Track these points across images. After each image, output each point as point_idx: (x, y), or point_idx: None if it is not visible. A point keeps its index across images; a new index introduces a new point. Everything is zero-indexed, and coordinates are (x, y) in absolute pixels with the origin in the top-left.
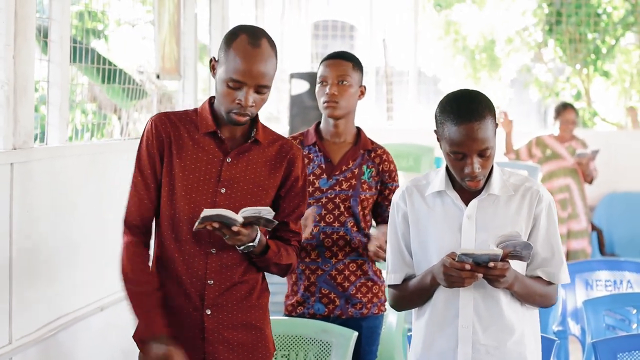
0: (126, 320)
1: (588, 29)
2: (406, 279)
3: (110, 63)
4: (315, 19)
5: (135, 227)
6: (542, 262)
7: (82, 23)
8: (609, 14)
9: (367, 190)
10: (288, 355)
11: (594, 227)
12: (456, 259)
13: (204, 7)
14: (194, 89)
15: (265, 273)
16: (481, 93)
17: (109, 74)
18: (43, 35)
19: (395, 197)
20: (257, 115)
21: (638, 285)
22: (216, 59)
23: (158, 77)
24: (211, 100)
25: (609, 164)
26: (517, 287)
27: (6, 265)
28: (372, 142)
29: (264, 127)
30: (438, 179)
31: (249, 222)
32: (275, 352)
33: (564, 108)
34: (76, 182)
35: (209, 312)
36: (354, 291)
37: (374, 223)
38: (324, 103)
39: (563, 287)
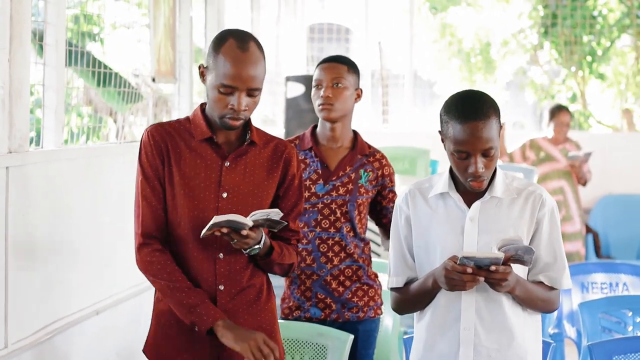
0: (122, 324)
1: (584, 31)
2: (408, 282)
3: (105, 66)
4: (310, 22)
5: (155, 238)
6: (545, 267)
7: (78, 26)
8: (605, 16)
9: (364, 194)
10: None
11: (589, 230)
12: (458, 262)
13: (200, 10)
14: (190, 92)
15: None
16: (486, 94)
17: (105, 77)
18: (38, 38)
19: (398, 201)
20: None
21: (634, 288)
22: (205, 66)
23: (153, 80)
24: (203, 106)
25: (605, 167)
26: (519, 291)
27: (2, 269)
28: (369, 146)
29: (257, 128)
30: (441, 182)
31: (256, 225)
32: None
33: (558, 110)
34: (72, 185)
35: None
36: (350, 295)
37: (370, 226)
38: (319, 106)
39: (565, 289)
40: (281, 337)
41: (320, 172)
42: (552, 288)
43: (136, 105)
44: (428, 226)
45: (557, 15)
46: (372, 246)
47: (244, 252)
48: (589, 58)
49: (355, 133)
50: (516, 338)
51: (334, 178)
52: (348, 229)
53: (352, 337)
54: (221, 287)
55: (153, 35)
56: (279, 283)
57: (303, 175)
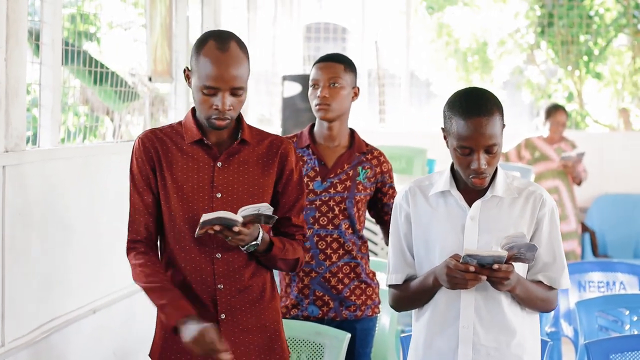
0: (118, 322)
1: (580, 30)
2: (407, 280)
3: (102, 65)
4: (307, 21)
5: (140, 242)
6: (544, 266)
7: (74, 26)
8: (601, 15)
9: (362, 191)
10: None
11: (586, 229)
12: (460, 260)
13: (196, 10)
14: (186, 92)
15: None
16: (490, 91)
17: (101, 76)
18: (35, 37)
19: (398, 198)
20: (241, 116)
21: (631, 287)
22: (189, 69)
23: (150, 79)
24: (194, 109)
25: (602, 166)
26: (519, 290)
27: None
28: (367, 144)
29: (250, 127)
30: (442, 180)
31: (249, 221)
32: None
33: (554, 109)
34: (69, 184)
35: (223, 316)
36: (348, 293)
37: (368, 225)
38: (316, 106)
39: (564, 289)
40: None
41: (317, 169)
42: (551, 288)
43: (133, 105)
44: (428, 224)
45: (553, 15)
46: (370, 245)
47: (242, 249)
48: (585, 57)
49: (352, 131)
50: (515, 337)
51: (331, 175)
52: (346, 226)
53: (349, 335)
54: (220, 286)
55: (149, 34)
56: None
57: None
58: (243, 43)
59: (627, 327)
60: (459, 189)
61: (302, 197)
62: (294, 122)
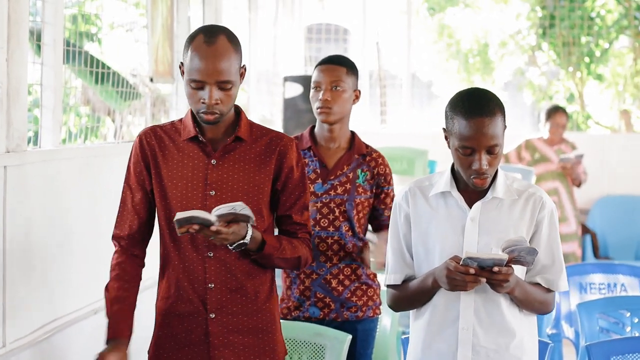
0: None
1: (582, 32)
2: (406, 280)
3: (104, 66)
4: (308, 22)
5: (122, 239)
6: (542, 269)
7: (76, 26)
8: (603, 17)
9: (363, 194)
10: None
11: (587, 230)
12: (461, 263)
13: (197, 11)
14: None
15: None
16: (492, 92)
17: (103, 76)
18: (36, 38)
19: (398, 198)
20: (241, 112)
21: (632, 289)
22: (183, 63)
23: (151, 80)
24: None
25: (603, 167)
26: (518, 292)
27: (0, 269)
28: (367, 146)
29: (253, 124)
30: (443, 180)
31: (231, 220)
32: None
33: (555, 111)
34: (70, 185)
35: (212, 316)
36: (349, 295)
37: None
38: (317, 109)
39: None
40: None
41: (318, 171)
42: (548, 290)
43: (134, 105)
44: (428, 225)
45: (555, 16)
46: (371, 246)
47: (229, 248)
48: (586, 59)
49: (353, 133)
50: (514, 339)
51: (332, 177)
52: (347, 228)
53: (350, 337)
54: (211, 286)
55: (151, 35)
56: (277, 283)
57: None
58: (235, 38)
59: (628, 329)
60: (459, 189)
61: (304, 195)
62: (295, 123)
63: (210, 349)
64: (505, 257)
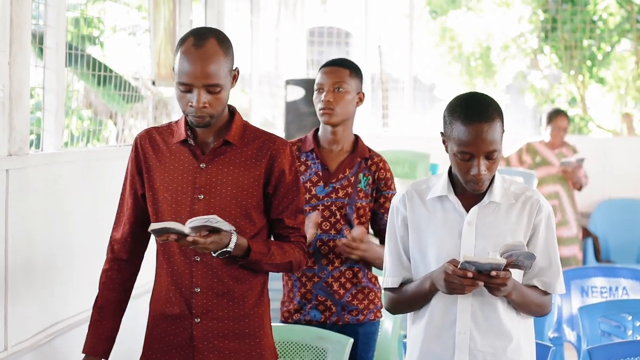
0: (121, 326)
1: (583, 35)
2: (403, 283)
3: (106, 69)
4: (310, 25)
5: (116, 242)
6: (539, 271)
7: (78, 29)
8: (605, 20)
9: (364, 199)
10: None
11: (589, 234)
12: (459, 267)
13: (200, 14)
14: None
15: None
16: (490, 97)
17: (105, 79)
18: (39, 41)
19: (395, 201)
20: (235, 114)
21: (634, 292)
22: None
23: (154, 83)
24: None
25: (605, 171)
26: (515, 295)
27: (2, 272)
28: (370, 150)
29: (248, 126)
30: (440, 184)
31: (211, 230)
32: None
33: (556, 114)
34: (72, 188)
35: (197, 320)
36: (350, 298)
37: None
38: (320, 110)
39: (559, 294)
40: (274, 342)
41: (320, 174)
42: (545, 292)
43: (136, 108)
44: (425, 228)
45: (557, 20)
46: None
47: (213, 255)
48: (588, 62)
49: (356, 137)
50: (511, 342)
51: (333, 180)
52: (348, 232)
53: (351, 340)
54: (197, 290)
55: (153, 38)
56: (278, 286)
57: (300, 171)
58: (225, 40)
59: (630, 332)
60: (456, 193)
61: (297, 198)
62: (297, 126)
63: (195, 353)
64: (503, 261)
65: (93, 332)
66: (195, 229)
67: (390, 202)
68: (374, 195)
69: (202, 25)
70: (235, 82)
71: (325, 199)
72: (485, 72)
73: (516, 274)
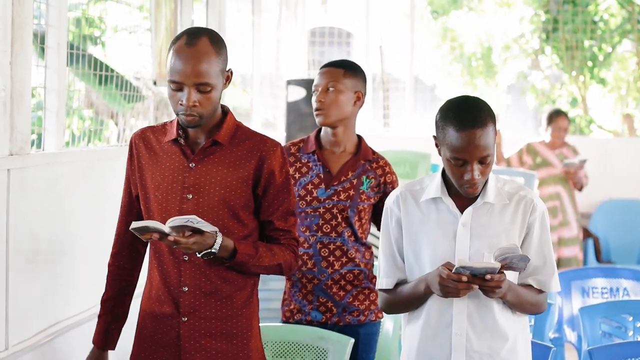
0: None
1: (585, 36)
2: (398, 283)
3: (107, 68)
4: (312, 25)
5: (117, 240)
6: (534, 270)
7: (80, 29)
8: (606, 21)
9: (366, 201)
10: None
11: (590, 235)
12: (453, 271)
13: (201, 14)
14: None
15: (260, 285)
16: (482, 100)
17: (106, 79)
18: (40, 41)
19: (389, 202)
20: (228, 114)
21: (634, 293)
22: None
23: (155, 83)
24: None
25: (606, 171)
26: (510, 296)
27: (3, 271)
28: (374, 152)
29: (240, 127)
30: (433, 186)
31: (193, 231)
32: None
33: (556, 115)
34: (73, 188)
35: (185, 319)
36: (351, 299)
37: (372, 230)
38: (315, 111)
39: (559, 295)
40: (278, 340)
41: (322, 176)
42: (540, 291)
43: (137, 108)
44: (419, 230)
45: (558, 20)
46: (375, 251)
47: (197, 256)
48: (590, 63)
49: (359, 138)
50: (507, 342)
51: (335, 183)
52: (349, 234)
53: (352, 340)
54: (185, 289)
55: (154, 38)
56: (279, 286)
57: (299, 180)
58: (219, 40)
59: (631, 333)
60: (450, 194)
61: (287, 200)
62: (298, 126)
63: (182, 352)
64: (497, 265)
65: (100, 326)
66: (176, 228)
67: None
68: (377, 198)
69: (204, 25)
70: (229, 83)
71: (327, 201)
72: (486, 73)
73: (511, 275)
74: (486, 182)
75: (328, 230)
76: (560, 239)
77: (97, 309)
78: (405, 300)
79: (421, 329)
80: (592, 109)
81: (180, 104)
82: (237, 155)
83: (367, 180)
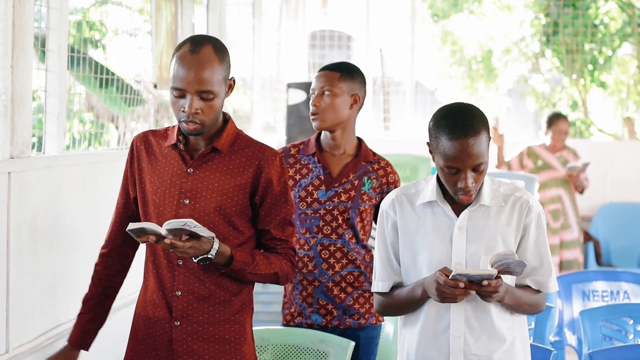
0: (121, 329)
1: (585, 39)
2: (394, 286)
3: (108, 72)
4: (312, 29)
5: (107, 241)
6: (531, 271)
7: (80, 33)
8: (606, 24)
9: (367, 202)
10: None
11: (590, 238)
12: (450, 278)
13: (202, 17)
14: None
15: (255, 290)
16: (475, 107)
17: (107, 82)
18: (41, 44)
19: (385, 206)
20: (228, 122)
21: (635, 296)
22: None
23: (155, 86)
24: None
25: (606, 175)
26: (508, 299)
27: (3, 274)
28: (374, 154)
29: (240, 135)
30: (429, 189)
31: (191, 234)
32: None
33: (556, 118)
34: (73, 191)
35: (177, 323)
36: (351, 302)
37: (373, 233)
38: (311, 115)
39: (560, 298)
40: (278, 344)
41: (322, 178)
42: (538, 291)
43: (138, 112)
44: (415, 234)
45: (558, 24)
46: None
47: (194, 261)
48: (590, 66)
49: (360, 140)
50: (505, 344)
51: (336, 185)
52: (350, 236)
53: (353, 343)
54: (178, 293)
55: (155, 41)
56: (279, 290)
57: (299, 181)
58: (222, 49)
59: (631, 336)
60: (445, 198)
61: (285, 210)
62: (298, 129)
63: (175, 356)
64: (494, 272)
65: (78, 323)
66: (173, 232)
67: None
68: (379, 198)
69: (204, 28)
70: (231, 91)
71: (327, 203)
72: (486, 76)
73: (508, 276)
74: (481, 185)
75: (328, 232)
76: (562, 242)
77: None
78: (402, 304)
79: (419, 332)
80: (592, 112)
81: (183, 111)
82: (235, 162)
83: (369, 181)
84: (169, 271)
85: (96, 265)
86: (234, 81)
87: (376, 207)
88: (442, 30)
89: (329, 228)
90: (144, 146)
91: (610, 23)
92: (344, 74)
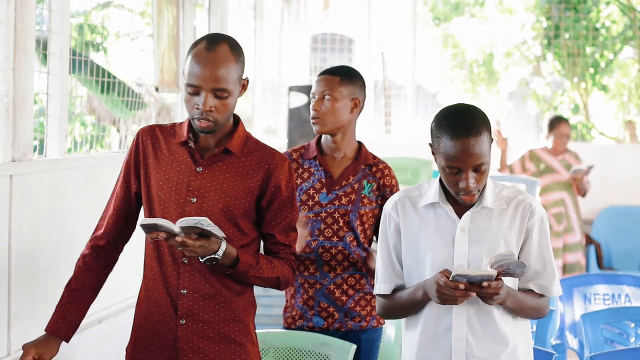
0: (124, 332)
1: (586, 43)
2: (396, 289)
3: (109, 75)
4: (314, 32)
5: (99, 230)
6: (534, 275)
7: (82, 36)
8: (608, 28)
9: (367, 205)
10: None
11: (592, 241)
12: (450, 279)
13: (203, 20)
14: None
15: (256, 293)
16: (477, 108)
17: (108, 86)
18: (43, 47)
19: (387, 208)
20: (239, 124)
21: (636, 299)
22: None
23: (157, 89)
24: None
25: (607, 178)
26: (510, 302)
27: (5, 277)
28: (374, 157)
29: (250, 137)
30: (432, 191)
31: (201, 233)
32: None
33: (558, 121)
34: (75, 194)
35: (183, 322)
36: (353, 305)
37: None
38: (311, 119)
39: (561, 301)
40: (280, 347)
41: (324, 181)
42: (541, 295)
43: (139, 115)
44: (418, 235)
45: (560, 27)
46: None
47: (200, 261)
48: (591, 70)
49: (360, 144)
50: (508, 347)
51: (337, 187)
52: (351, 238)
53: (354, 347)
54: (183, 291)
55: (157, 44)
56: (280, 293)
57: (301, 185)
58: (238, 48)
59: (633, 339)
60: (448, 200)
61: (290, 215)
62: (300, 132)
63: (180, 354)
64: (494, 273)
65: (60, 313)
66: (185, 229)
67: None
68: (379, 202)
69: (206, 31)
70: (244, 91)
71: (328, 205)
72: (488, 79)
73: (511, 280)
74: (484, 187)
75: (330, 234)
76: (565, 245)
77: (101, 314)
78: (403, 306)
79: (420, 334)
80: (593, 116)
81: (197, 108)
82: (245, 165)
83: (368, 184)
84: (174, 269)
85: (85, 256)
86: (247, 81)
87: (377, 218)
88: (444, 34)
89: (330, 231)
90: (151, 140)
91: (611, 26)
92: (344, 78)
